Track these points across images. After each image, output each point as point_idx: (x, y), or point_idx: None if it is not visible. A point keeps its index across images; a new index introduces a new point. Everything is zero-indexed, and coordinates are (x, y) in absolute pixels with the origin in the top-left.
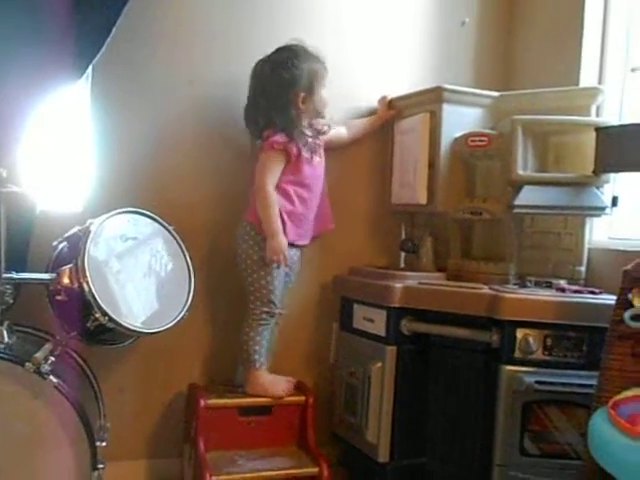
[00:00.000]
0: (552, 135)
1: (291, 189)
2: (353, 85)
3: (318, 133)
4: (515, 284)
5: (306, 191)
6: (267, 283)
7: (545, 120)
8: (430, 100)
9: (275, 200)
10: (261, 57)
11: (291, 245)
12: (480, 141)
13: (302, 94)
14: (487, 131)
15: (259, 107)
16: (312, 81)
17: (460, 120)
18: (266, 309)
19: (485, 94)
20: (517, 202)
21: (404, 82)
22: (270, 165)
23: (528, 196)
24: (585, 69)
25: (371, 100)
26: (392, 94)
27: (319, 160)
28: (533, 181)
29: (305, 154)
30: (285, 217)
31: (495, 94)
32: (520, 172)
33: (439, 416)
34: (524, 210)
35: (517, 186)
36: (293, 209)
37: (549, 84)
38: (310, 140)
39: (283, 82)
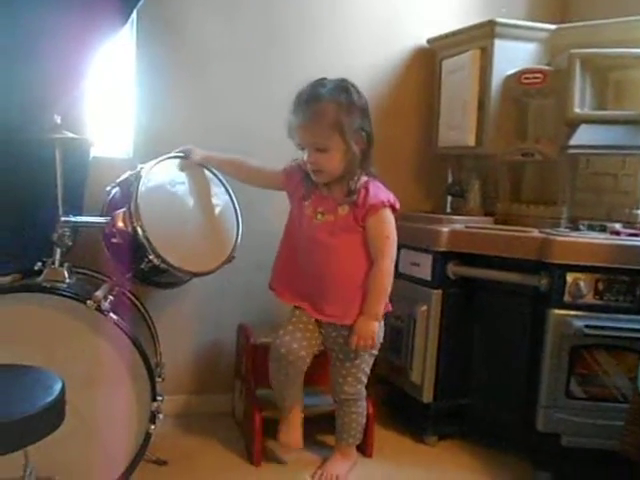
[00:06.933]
0: (612, 70)
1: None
2: (397, 22)
3: (350, 192)
4: (567, 227)
5: (294, 249)
6: None
7: (606, 53)
8: (481, 36)
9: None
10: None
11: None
12: (534, 78)
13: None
14: (542, 67)
15: None
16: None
17: (513, 56)
18: None
19: (540, 27)
20: (573, 142)
21: (452, 17)
22: None
23: (584, 136)
24: None
25: (418, 37)
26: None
27: (322, 219)
28: (590, 119)
29: (305, 203)
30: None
31: (551, 27)
32: (577, 110)
33: (484, 358)
34: (580, 150)
35: (573, 125)
36: (283, 257)
37: (610, 15)
38: (309, 186)
39: None
